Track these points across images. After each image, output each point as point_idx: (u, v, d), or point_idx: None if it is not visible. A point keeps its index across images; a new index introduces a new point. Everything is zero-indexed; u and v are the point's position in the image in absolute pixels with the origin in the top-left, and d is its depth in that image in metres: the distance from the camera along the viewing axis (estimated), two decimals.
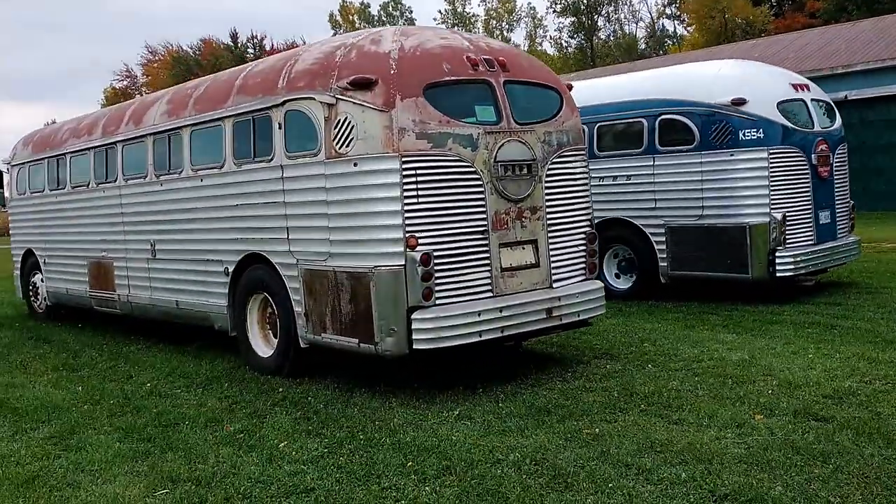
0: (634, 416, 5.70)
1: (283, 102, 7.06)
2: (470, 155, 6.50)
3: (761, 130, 9.58)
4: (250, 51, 61.52)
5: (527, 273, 6.86)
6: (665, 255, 10.22)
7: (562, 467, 4.76)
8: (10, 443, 6.06)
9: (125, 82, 64.05)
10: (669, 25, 67.08)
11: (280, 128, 7.12)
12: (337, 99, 6.53)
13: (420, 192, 6.28)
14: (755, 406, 5.77)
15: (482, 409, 6.10)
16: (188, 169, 8.42)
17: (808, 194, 9.94)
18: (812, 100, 10.36)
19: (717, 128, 9.75)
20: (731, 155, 9.67)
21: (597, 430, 5.41)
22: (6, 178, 12.96)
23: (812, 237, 9.99)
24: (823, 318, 8.71)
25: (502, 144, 6.68)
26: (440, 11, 72.87)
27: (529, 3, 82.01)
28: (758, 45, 30.55)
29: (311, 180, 6.81)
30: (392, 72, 6.38)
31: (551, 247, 7.02)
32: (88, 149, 10.40)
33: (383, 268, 6.25)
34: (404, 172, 6.22)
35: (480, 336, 6.44)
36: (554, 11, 67.92)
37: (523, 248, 6.85)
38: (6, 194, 13.01)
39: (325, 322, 6.83)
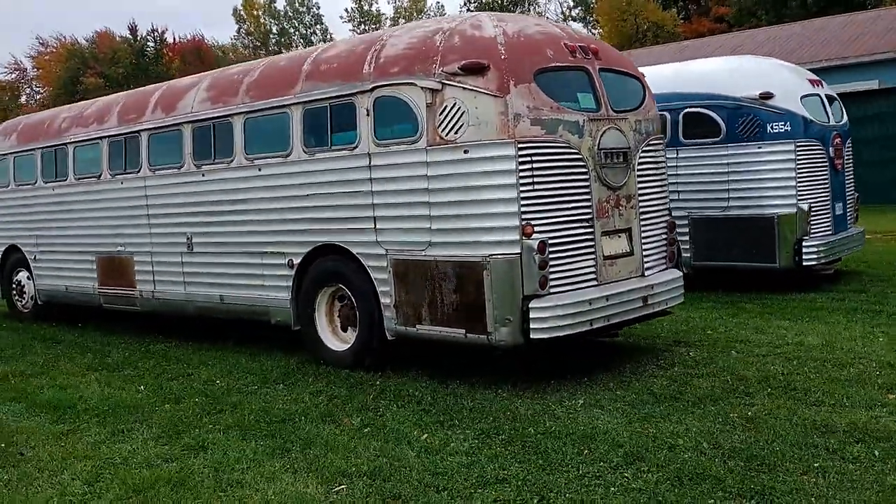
0: (769, 399, 5.78)
1: (373, 88, 6.86)
2: (577, 142, 6.47)
3: (788, 124, 9.87)
4: (150, 44, 59.41)
5: (623, 261, 6.88)
6: (688, 246, 10.40)
7: (749, 451, 4.78)
8: (117, 444, 5.71)
9: (13, 75, 60.75)
10: (578, 27, 68.42)
11: (368, 114, 6.91)
12: (443, 84, 6.39)
13: (535, 180, 6.21)
14: (878, 386, 5.93)
15: (602, 397, 6.07)
16: (240, 158, 8.09)
17: (828, 186, 10.31)
18: (825, 95, 10.74)
19: (745, 121, 10.00)
20: (759, 147, 9.92)
21: (748, 413, 5.46)
22: None
23: (830, 227, 10.35)
24: (861, 304, 9.05)
25: (603, 132, 6.67)
26: (346, 10, 72.27)
27: (439, 3, 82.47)
28: (687, 48, 31.50)
29: (408, 168, 6.65)
30: (503, 57, 6.29)
31: (642, 235, 7.06)
32: (100, 138, 9.86)
33: (499, 256, 6.15)
34: (520, 159, 6.14)
35: (591, 325, 6.42)
36: (468, 10, 68.19)
37: (619, 237, 6.86)
38: None
39: (420, 313, 6.68)
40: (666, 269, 7.39)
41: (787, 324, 8.30)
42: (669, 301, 7.23)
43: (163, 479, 4.88)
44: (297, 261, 7.67)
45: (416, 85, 6.54)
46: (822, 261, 10.04)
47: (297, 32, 72.90)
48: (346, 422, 5.87)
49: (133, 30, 59.15)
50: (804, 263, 9.84)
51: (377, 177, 6.90)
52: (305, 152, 7.46)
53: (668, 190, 7.57)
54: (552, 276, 6.28)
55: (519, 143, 6.13)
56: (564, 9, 67.98)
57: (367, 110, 6.92)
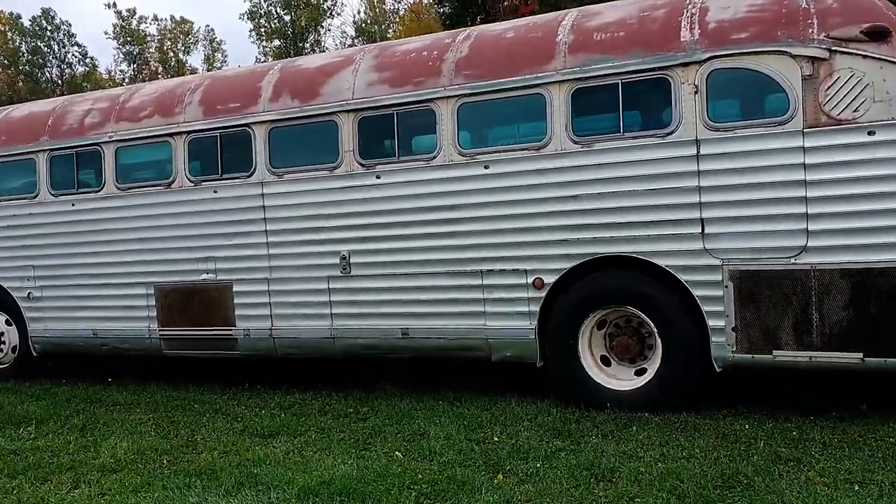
0: None
1: (706, 59, 5.54)
2: None
3: None
4: None
5: None
6: None
7: None
8: None
9: None
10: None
11: (695, 92, 5.57)
12: (832, 52, 5.21)
13: None
14: None
15: None
16: (450, 153, 6.38)
17: None
18: None
19: None
20: None
21: None
22: None
23: None
24: None
25: None
26: (113, 25, 67.36)
27: (208, 26, 79.24)
28: None
29: (770, 156, 5.40)
30: None
31: None
32: (171, 135, 7.62)
33: None
34: None
35: None
36: (259, 37, 65.76)
37: None
38: None
39: (778, 336, 5.40)
40: None
41: None
42: None
43: None
44: (549, 279, 6.10)
45: (787, 53, 5.30)
46: None
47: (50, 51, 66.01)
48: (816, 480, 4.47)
49: None
50: None
51: (710, 168, 5.55)
52: (576, 142, 5.95)
53: None
54: None
55: None
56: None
57: (695, 87, 5.57)
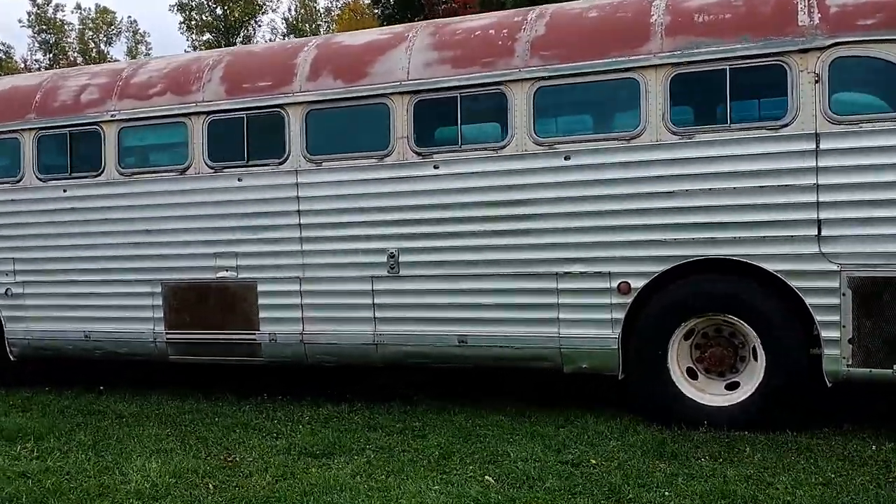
0: None
1: (829, 46, 5.06)
2: None
3: None
4: None
5: None
6: None
7: None
8: None
9: None
10: None
11: (816, 81, 5.08)
12: None
13: None
14: None
15: None
16: (523, 141, 5.77)
17: None
18: None
19: None
20: None
21: None
22: None
23: None
24: None
25: None
26: (28, 13, 64.74)
27: (130, 17, 76.84)
28: None
29: None
30: None
31: None
32: (186, 115, 6.80)
33: None
34: None
35: None
36: (189, 29, 63.91)
37: None
38: None
39: None
40: None
41: None
42: None
43: None
44: (637, 283, 5.53)
45: None
46: None
47: None
48: None
49: None
50: None
51: (830, 165, 5.08)
52: (674, 133, 5.40)
53: None
54: None
55: None
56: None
57: (815, 75, 5.08)
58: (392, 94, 6.11)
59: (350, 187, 6.24)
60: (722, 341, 5.55)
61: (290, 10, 72.29)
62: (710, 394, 5.54)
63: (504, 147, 5.81)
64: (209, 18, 64.79)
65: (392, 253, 6.14)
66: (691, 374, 5.63)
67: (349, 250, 6.29)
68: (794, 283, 5.17)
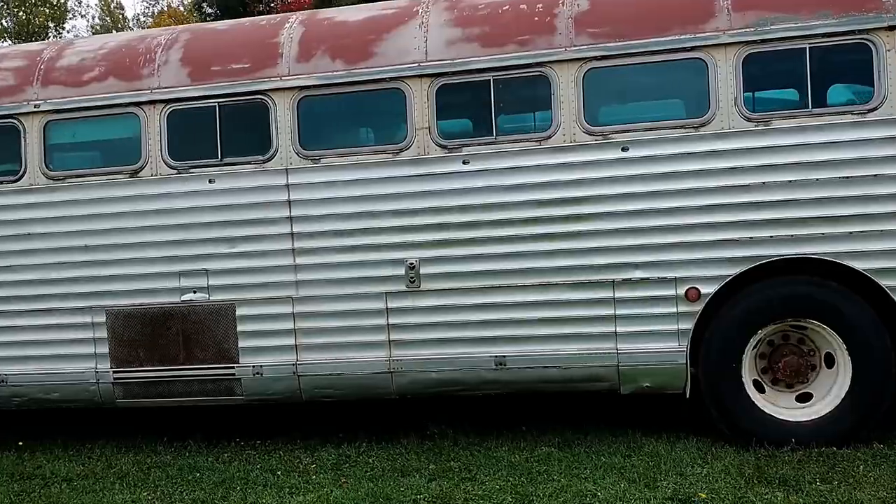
0: None
1: None
2: None
3: None
4: None
5: None
6: None
7: None
8: None
9: None
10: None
11: None
12: None
13: None
14: None
15: None
16: (572, 131, 5.06)
17: None
18: None
19: None
20: None
21: None
22: None
23: None
24: None
25: None
26: None
27: None
28: None
29: None
30: None
31: None
32: (138, 104, 5.60)
33: None
34: None
35: None
36: None
37: None
38: None
39: None
40: None
41: None
42: None
43: None
44: (707, 289, 4.95)
45: None
46: None
47: None
48: None
49: None
50: None
51: None
52: (749, 119, 4.87)
53: None
54: None
55: None
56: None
57: None
58: (409, 77, 5.22)
59: (357, 188, 5.29)
60: (793, 349, 5.05)
61: (93, 17, 68.33)
62: (784, 408, 5.02)
63: (549, 138, 5.07)
64: (8, 25, 59.99)
65: (411, 264, 5.24)
66: (757, 386, 5.09)
67: (356, 263, 5.33)
68: (886, 283, 4.74)
